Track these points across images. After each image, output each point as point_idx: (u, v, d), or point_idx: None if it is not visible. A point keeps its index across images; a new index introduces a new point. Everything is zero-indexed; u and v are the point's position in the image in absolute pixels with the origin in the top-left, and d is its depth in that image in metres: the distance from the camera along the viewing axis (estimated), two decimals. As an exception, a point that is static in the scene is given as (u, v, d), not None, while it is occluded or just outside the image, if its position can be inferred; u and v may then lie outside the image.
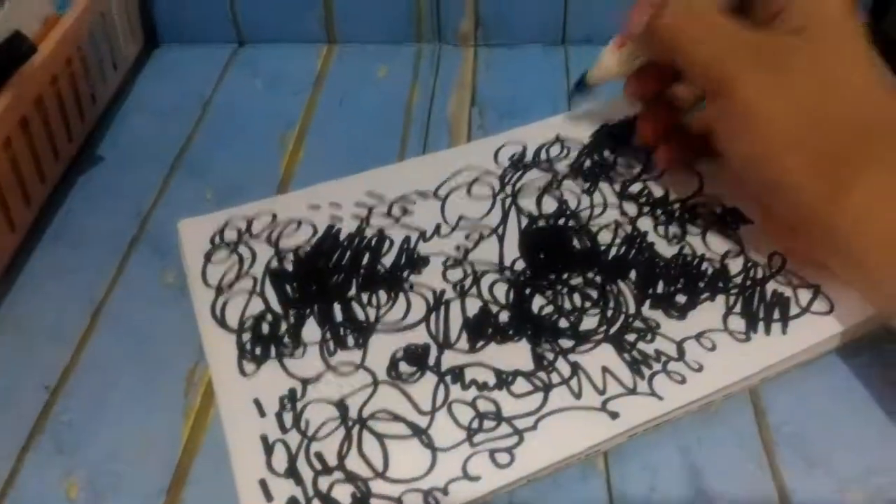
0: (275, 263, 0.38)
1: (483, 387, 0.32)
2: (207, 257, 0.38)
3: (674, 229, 0.39)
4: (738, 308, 0.35)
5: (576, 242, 0.39)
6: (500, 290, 0.36)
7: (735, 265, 0.37)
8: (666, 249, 0.38)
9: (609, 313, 0.35)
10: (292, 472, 0.29)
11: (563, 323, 0.35)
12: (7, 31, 0.38)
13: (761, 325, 0.35)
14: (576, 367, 0.33)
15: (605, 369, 0.33)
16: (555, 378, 0.33)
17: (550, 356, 0.33)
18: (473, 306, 0.36)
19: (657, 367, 0.33)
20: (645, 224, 0.40)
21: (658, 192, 0.41)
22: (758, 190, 0.35)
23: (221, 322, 0.35)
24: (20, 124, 0.40)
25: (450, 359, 0.33)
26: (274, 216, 0.40)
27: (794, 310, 0.35)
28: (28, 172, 0.41)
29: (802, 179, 0.32)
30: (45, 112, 0.42)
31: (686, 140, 0.40)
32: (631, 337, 0.34)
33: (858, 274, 0.33)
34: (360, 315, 0.35)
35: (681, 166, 0.41)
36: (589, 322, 0.35)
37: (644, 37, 0.37)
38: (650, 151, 0.42)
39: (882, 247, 0.31)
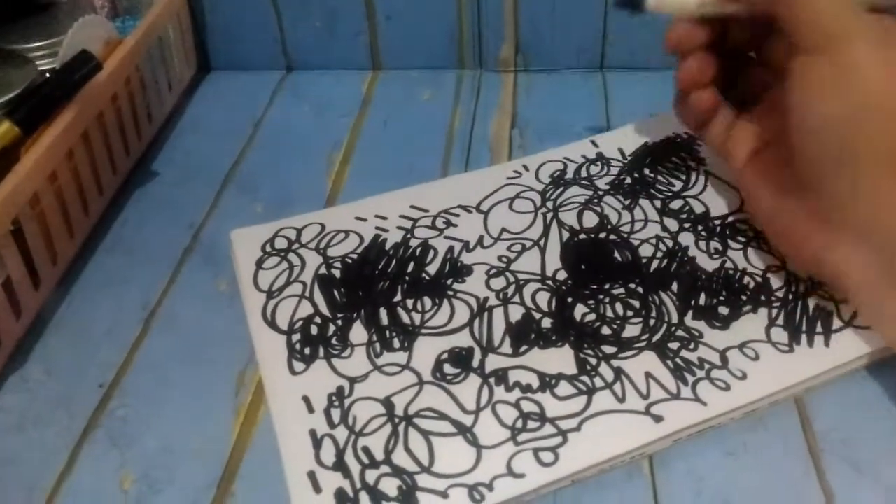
0: (323, 270, 0.39)
1: (526, 389, 0.33)
2: (259, 264, 0.39)
3: (715, 244, 0.40)
4: (780, 321, 0.35)
5: (617, 255, 0.39)
6: (543, 298, 0.37)
7: (777, 280, 0.37)
8: (707, 263, 0.38)
9: (651, 322, 0.36)
10: (340, 465, 0.30)
11: (606, 330, 0.35)
12: (75, 50, 0.40)
13: (804, 337, 0.35)
14: (619, 372, 0.33)
15: (648, 375, 0.33)
16: (598, 382, 0.33)
17: (593, 361, 0.34)
18: (516, 313, 0.36)
19: (700, 374, 0.33)
20: (686, 239, 0.40)
21: (699, 208, 0.42)
22: (810, 171, 0.33)
23: (272, 324, 0.36)
24: (83, 137, 0.41)
25: (493, 362, 0.34)
26: (322, 226, 0.41)
27: (836, 324, 0.35)
28: (87, 183, 0.43)
29: (880, 146, 0.31)
30: (105, 127, 0.44)
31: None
32: (674, 345, 0.34)
33: None
34: (406, 319, 0.36)
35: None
36: (631, 330, 0.35)
37: None
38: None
39: None
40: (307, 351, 0.35)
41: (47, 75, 0.41)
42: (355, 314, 0.36)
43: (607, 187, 0.43)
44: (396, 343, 0.35)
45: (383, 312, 0.36)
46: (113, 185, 0.46)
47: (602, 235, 0.40)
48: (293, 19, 0.56)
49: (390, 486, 0.29)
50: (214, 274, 0.41)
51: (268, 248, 0.40)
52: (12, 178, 0.36)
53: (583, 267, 0.39)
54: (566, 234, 0.40)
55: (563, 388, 0.33)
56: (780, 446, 0.32)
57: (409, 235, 0.41)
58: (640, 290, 0.37)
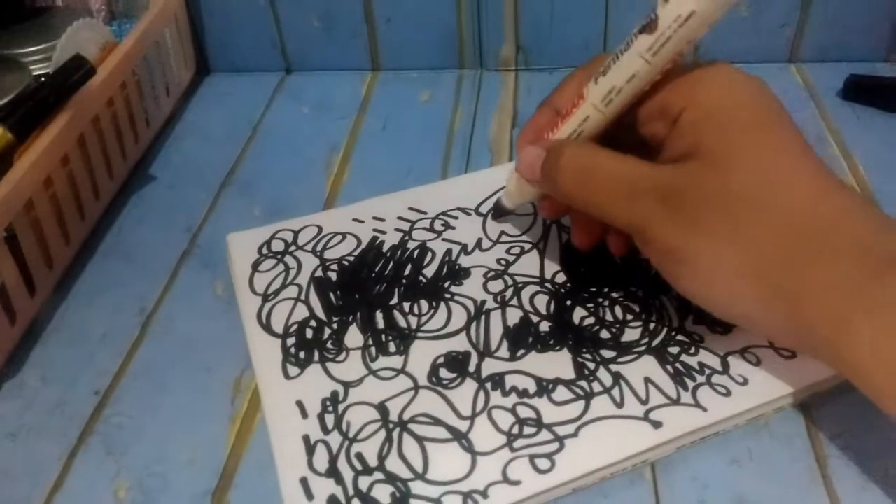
0: (319, 272, 0.38)
1: (523, 394, 0.32)
2: (255, 266, 0.39)
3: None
4: (783, 323, 0.35)
5: (617, 258, 0.39)
6: (541, 302, 0.36)
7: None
8: (709, 264, 0.38)
9: (651, 326, 0.35)
10: (333, 472, 0.30)
11: (605, 334, 0.35)
12: (69, 54, 0.40)
13: (808, 340, 0.34)
14: (617, 377, 0.33)
15: (647, 380, 0.33)
16: (596, 387, 0.32)
17: (592, 365, 0.33)
18: (514, 316, 0.36)
19: (701, 379, 0.33)
20: (687, 239, 0.39)
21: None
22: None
23: (267, 327, 0.36)
24: (78, 142, 0.41)
25: (490, 366, 0.33)
26: (319, 229, 0.41)
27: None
28: (84, 188, 0.42)
29: (751, 309, 0.29)
30: (101, 132, 0.44)
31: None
32: (674, 349, 0.34)
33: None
34: (402, 323, 0.36)
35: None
36: (631, 334, 0.35)
37: (542, 185, 0.34)
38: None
39: (865, 366, 0.27)
40: (302, 355, 0.34)
41: (42, 80, 0.40)
42: (351, 317, 0.36)
43: (608, 188, 0.43)
44: (392, 347, 0.34)
45: (379, 316, 0.36)
46: (110, 189, 0.46)
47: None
48: (291, 20, 0.56)
49: (383, 494, 0.29)
50: (212, 278, 0.41)
51: (264, 251, 0.40)
52: (6, 184, 0.35)
53: (582, 270, 0.38)
54: (566, 237, 0.40)
55: (561, 393, 0.32)
56: (786, 453, 0.31)
57: (406, 238, 0.40)
58: (640, 293, 0.36)
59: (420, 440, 0.31)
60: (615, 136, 0.33)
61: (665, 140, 0.31)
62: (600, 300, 0.36)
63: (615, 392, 0.32)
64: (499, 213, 0.40)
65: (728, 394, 0.32)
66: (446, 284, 0.37)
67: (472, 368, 0.33)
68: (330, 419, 0.31)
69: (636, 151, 0.31)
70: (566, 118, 0.33)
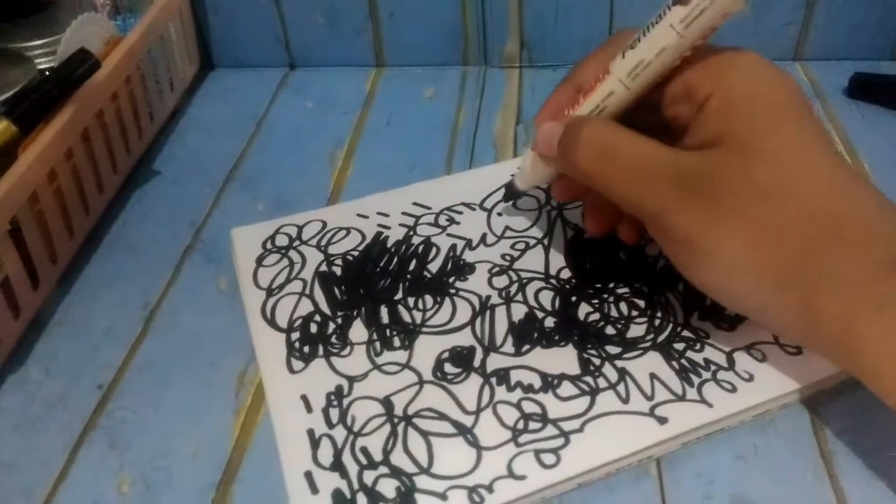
0: (324, 267, 0.38)
1: (528, 389, 0.32)
2: (259, 261, 0.39)
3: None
4: (789, 319, 0.35)
5: (622, 253, 0.39)
6: (546, 297, 0.36)
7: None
8: (714, 261, 0.38)
9: (657, 322, 0.35)
10: (338, 466, 0.30)
11: (610, 330, 0.35)
12: (74, 48, 0.40)
13: (813, 336, 0.34)
14: (623, 373, 0.33)
15: (652, 376, 0.33)
16: (602, 382, 0.32)
17: (597, 361, 0.33)
18: (519, 312, 0.36)
19: (706, 375, 0.32)
20: (692, 236, 0.39)
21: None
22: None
23: (271, 322, 0.36)
24: (82, 136, 0.41)
25: (495, 361, 0.33)
26: (324, 224, 0.41)
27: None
28: (88, 182, 0.42)
29: (765, 300, 0.29)
30: (105, 126, 0.44)
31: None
32: (679, 346, 0.34)
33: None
34: (407, 318, 0.36)
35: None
36: (636, 330, 0.35)
37: (559, 162, 0.34)
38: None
39: (873, 363, 0.27)
40: (306, 349, 0.34)
41: (47, 74, 0.40)
42: (356, 312, 0.36)
43: (613, 184, 0.43)
44: (397, 342, 0.34)
45: (384, 310, 0.36)
46: (114, 183, 0.46)
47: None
48: (296, 16, 0.56)
49: (388, 488, 0.29)
50: (216, 273, 0.41)
51: (268, 246, 0.40)
52: (10, 177, 0.35)
53: (587, 266, 0.38)
54: (570, 233, 0.40)
55: (566, 388, 0.32)
56: (791, 449, 0.31)
57: (411, 233, 0.40)
58: (645, 289, 0.36)
59: (425, 435, 0.30)
60: (634, 119, 0.33)
61: (689, 124, 0.31)
62: (605, 296, 0.36)
63: (620, 388, 0.32)
64: (510, 195, 0.40)
65: (733, 390, 0.32)
66: (451, 279, 0.37)
67: (476, 363, 0.33)
68: (334, 413, 0.31)
69: (654, 136, 0.31)
70: (589, 93, 0.33)
